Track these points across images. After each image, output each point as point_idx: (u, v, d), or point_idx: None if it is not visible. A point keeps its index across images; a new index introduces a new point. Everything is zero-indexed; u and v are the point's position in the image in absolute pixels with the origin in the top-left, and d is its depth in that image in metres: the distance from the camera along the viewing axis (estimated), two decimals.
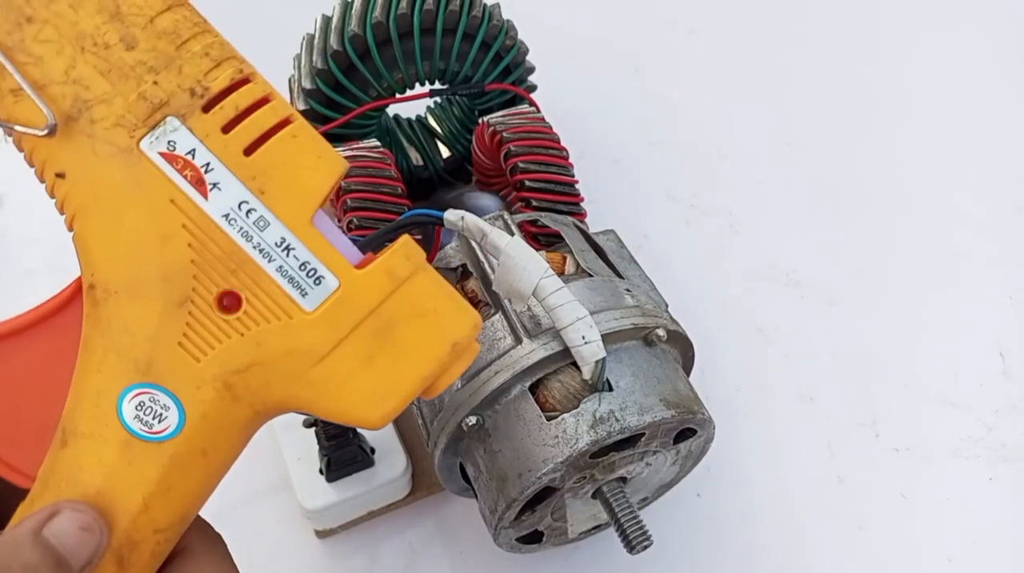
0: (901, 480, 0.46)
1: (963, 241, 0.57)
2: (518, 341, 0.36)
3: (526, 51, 0.51)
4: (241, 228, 0.25)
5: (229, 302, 0.25)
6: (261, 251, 0.25)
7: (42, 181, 0.25)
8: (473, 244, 0.39)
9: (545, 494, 0.36)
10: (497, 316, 0.37)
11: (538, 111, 0.48)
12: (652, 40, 0.71)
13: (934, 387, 0.50)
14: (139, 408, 0.25)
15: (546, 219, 0.43)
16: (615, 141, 0.63)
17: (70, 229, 0.25)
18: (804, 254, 0.56)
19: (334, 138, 0.49)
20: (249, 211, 0.25)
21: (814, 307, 0.54)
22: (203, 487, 0.26)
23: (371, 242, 0.36)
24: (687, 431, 0.37)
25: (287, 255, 0.25)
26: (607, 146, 0.62)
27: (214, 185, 0.25)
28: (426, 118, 0.57)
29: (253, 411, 0.26)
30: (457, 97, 0.55)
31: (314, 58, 0.47)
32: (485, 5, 0.48)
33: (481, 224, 0.35)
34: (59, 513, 0.24)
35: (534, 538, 0.39)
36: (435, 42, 0.47)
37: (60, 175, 0.25)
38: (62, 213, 0.25)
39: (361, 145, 0.46)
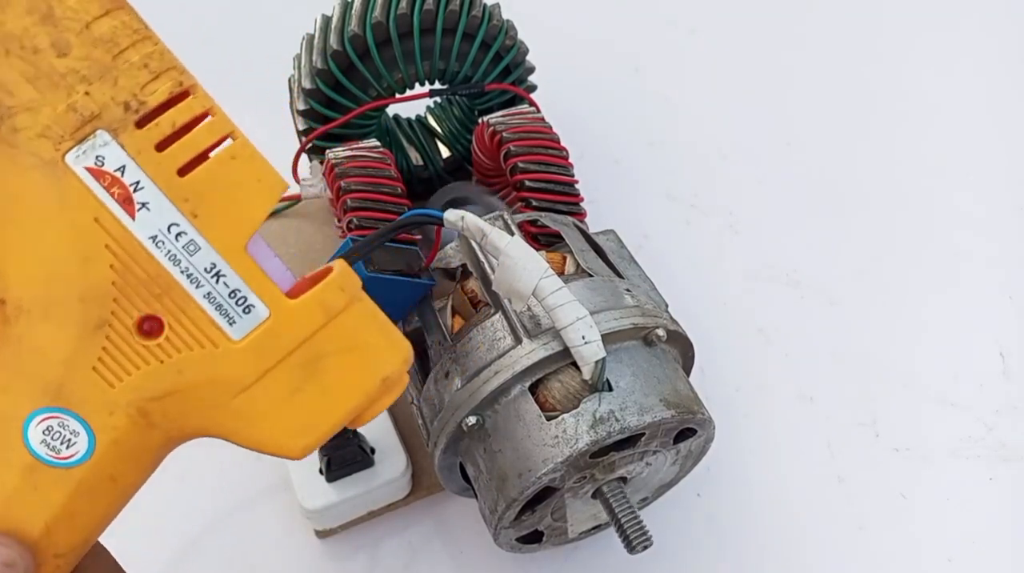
0: (901, 480, 0.46)
1: (963, 241, 0.57)
2: (518, 341, 0.36)
3: (526, 51, 0.51)
4: (169, 251, 0.24)
5: (150, 327, 0.24)
6: (189, 276, 0.24)
7: None
8: (473, 244, 0.39)
9: (545, 494, 0.36)
10: (497, 316, 0.37)
11: (538, 111, 0.48)
12: (652, 40, 0.71)
13: (934, 387, 0.50)
14: (47, 432, 0.24)
15: (546, 219, 0.43)
16: (615, 141, 0.63)
17: None
18: (804, 254, 0.56)
19: (334, 138, 0.49)
20: (179, 234, 0.24)
21: (814, 307, 0.54)
22: (108, 512, 0.26)
23: (371, 242, 0.36)
24: (687, 431, 0.37)
25: (216, 282, 0.24)
26: (607, 146, 0.62)
27: (143, 205, 0.23)
28: (426, 118, 0.57)
29: (167, 437, 0.25)
30: (457, 97, 0.55)
31: (314, 58, 0.47)
32: (485, 5, 0.48)
33: (481, 224, 0.35)
34: None
35: (534, 538, 0.39)
36: (435, 42, 0.47)
37: None
38: None
39: (361, 145, 0.46)
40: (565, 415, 0.34)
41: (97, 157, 0.23)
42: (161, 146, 0.23)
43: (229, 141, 0.24)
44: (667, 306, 0.41)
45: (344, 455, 0.42)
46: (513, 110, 0.47)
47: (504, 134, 0.45)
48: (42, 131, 0.23)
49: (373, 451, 0.43)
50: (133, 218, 0.23)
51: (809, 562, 0.44)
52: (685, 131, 0.63)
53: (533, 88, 0.52)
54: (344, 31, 0.47)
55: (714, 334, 0.50)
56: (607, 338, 0.35)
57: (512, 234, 0.38)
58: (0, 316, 0.24)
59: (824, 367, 0.51)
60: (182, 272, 0.24)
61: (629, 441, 0.35)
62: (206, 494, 0.45)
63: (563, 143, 0.46)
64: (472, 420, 0.36)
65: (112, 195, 0.23)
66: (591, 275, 0.39)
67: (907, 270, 0.55)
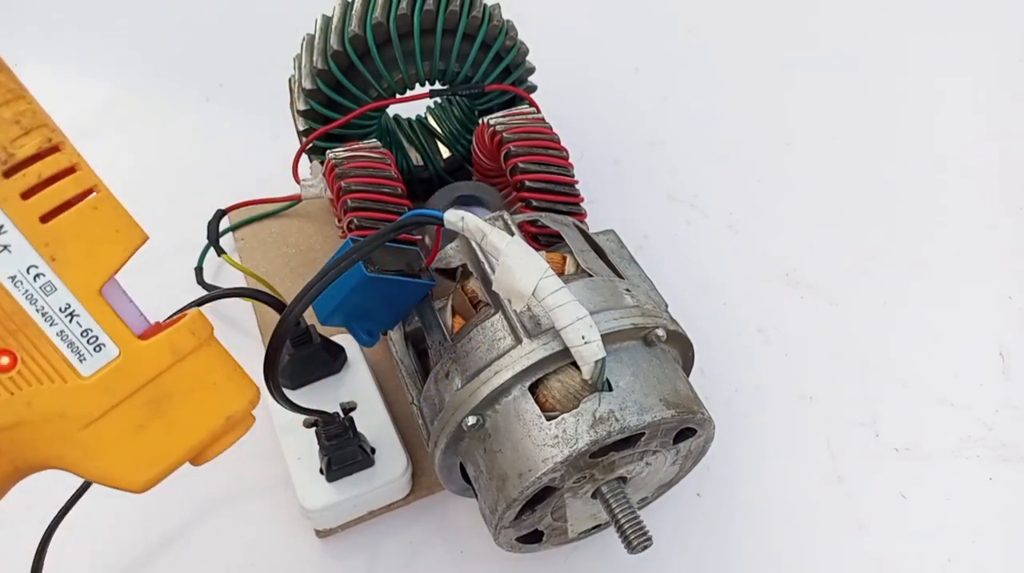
0: (901, 480, 0.46)
1: (963, 241, 0.57)
2: (518, 341, 0.36)
3: (526, 51, 0.51)
4: (27, 291, 0.25)
5: (4, 361, 0.25)
6: (44, 315, 0.25)
7: None
8: (473, 244, 0.39)
9: (545, 494, 0.36)
10: (497, 316, 0.37)
11: (538, 111, 0.48)
12: (652, 40, 0.71)
13: (934, 387, 0.50)
14: None
15: (546, 219, 0.43)
16: (615, 141, 0.63)
17: None
18: (804, 254, 0.56)
19: (334, 138, 0.49)
20: (37, 275, 0.25)
21: (814, 307, 0.54)
22: None
23: (371, 243, 0.36)
24: (687, 431, 0.37)
25: (70, 321, 0.26)
26: (607, 146, 0.62)
27: (4, 247, 0.25)
28: (426, 118, 0.57)
29: (14, 467, 0.26)
30: (457, 97, 0.55)
31: (314, 58, 0.47)
32: (485, 5, 0.48)
33: (481, 224, 0.35)
34: None
35: (534, 538, 0.39)
36: (435, 42, 0.47)
37: None
38: None
39: (361, 145, 0.46)
40: (565, 415, 0.34)
41: None
42: (26, 195, 0.25)
43: (93, 194, 0.26)
44: (667, 306, 0.41)
45: (344, 455, 0.42)
46: (513, 110, 0.47)
47: (504, 134, 0.45)
48: None
49: (373, 451, 0.43)
50: None
51: (809, 562, 0.44)
52: (685, 131, 0.63)
53: (533, 88, 0.52)
54: (344, 31, 0.47)
55: (714, 334, 0.50)
56: (607, 338, 0.35)
57: (512, 234, 0.38)
58: None
59: (824, 367, 0.51)
60: (37, 310, 0.25)
61: (629, 441, 0.35)
62: (206, 494, 0.45)
63: (563, 143, 0.46)
64: (472, 420, 0.36)
65: None
66: (591, 275, 0.39)
67: (907, 270, 0.55)
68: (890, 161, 0.62)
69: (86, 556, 0.43)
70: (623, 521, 0.35)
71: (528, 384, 0.35)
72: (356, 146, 0.46)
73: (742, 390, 0.49)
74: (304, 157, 0.51)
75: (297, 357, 0.44)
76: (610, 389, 0.35)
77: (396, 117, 0.57)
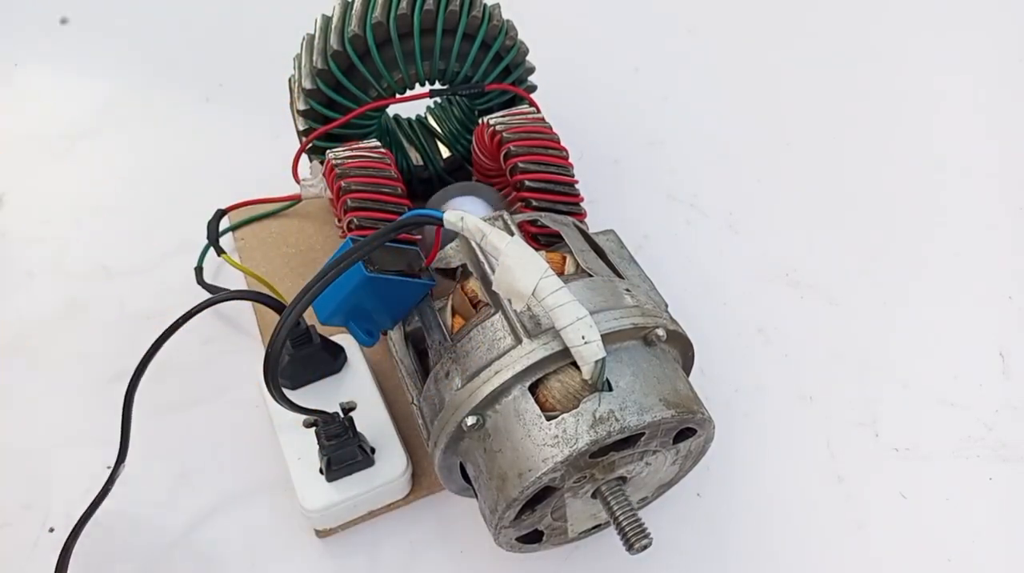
0: (901, 480, 0.46)
1: (963, 241, 0.57)
2: (518, 341, 0.36)
3: (526, 51, 0.51)
4: None
5: None
6: None
7: None
8: (473, 244, 0.39)
9: (545, 494, 0.36)
10: (497, 316, 0.37)
11: (538, 111, 0.48)
12: (652, 40, 0.71)
13: (934, 387, 0.50)
14: None
15: (546, 219, 0.43)
16: (615, 141, 0.63)
17: None
18: (804, 254, 0.56)
19: (334, 138, 0.49)
20: None
21: (814, 307, 0.54)
22: None
23: (371, 243, 0.36)
24: (687, 431, 0.37)
25: None
26: (607, 146, 0.62)
27: None
28: (426, 118, 0.57)
29: None
30: (457, 97, 0.55)
31: (314, 58, 0.47)
32: (485, 5, 0.48)
33: (481, 224, 0.35)
34: None
35: (534, 537, 0.39)
36: (435, 42, 0.47)
37: None
38: None
39: (361, 145, 0.46)
40: (565, 415, 0.34)
41: None
42: None
43: None
44: (667, 306, 0.41)
45: (344, 455, 0.42)
46: (513, 110, 0.47)
47: (504, 134, 0.45)
48: None
49: (373, 451, 0.43)
50: None
51: (809, 562, 0.44)
52: (685, 131, 0.63)
53: (533, 88, 0.52)
54: (344, 31, 0.47)
55: (714, 334, 0.50)
56: (607, 338, 0.35)
57: (512, 234, 0.38)
58: None
59: (824, 367, 0.51)
60: None
61: (629, 441, 0.35)
62: (206, 494, 0.45)
63: (563, 143, 0.46)
64: (472, 420, 0.36)
65: None
66: (591, 275, 0.39)
67: (907, 270, 0.55)
68: (890, 161, 0.62)
69: (86, 556, 0.43)
70: (623, 521, 0.35)
71: (528, 384, 0.35)
72: (356, 146, 0.46)
73: (742, 390, 0.49)
74: (304, 157, 0.51)
75: (297, 357, 0.44)
76: (610, 389, 0.35)
77: (396, 117, 0.57)
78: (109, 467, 0.42)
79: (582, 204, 0.46)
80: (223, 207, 0.55)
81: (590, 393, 0.34)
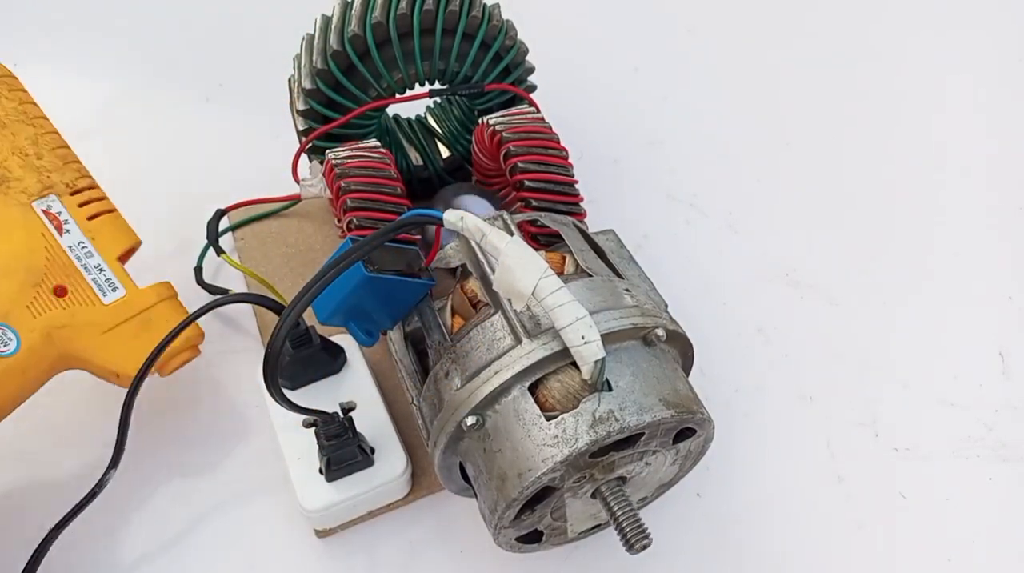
0: (901, 480, 0.46)
1: (963, 241, 0.57)
2: (518, 341, 0.36)
3: (526, 51, 0.51)
4: (77, 254, 0.44)
5: (60, 290, 0.43)
6: (85, 268, 0.44)
7: None
8: (473, 244, 0.39)
9: (545, 494, 0.36)
10: (497, 316, 0.37)
11: (538, 111, 0.48)
12: (651, 40, 0.71)
13: (934, 387, 0.50)
14: None
15: (546, 219, 0.43)
16: (615, 141, 0.63)
17: None
18: (804, 254, 0.56)
19: (334, 138, 0.49)
20: (83, 246, 0.45)
21: (814, 307, 0.54)
22: (15, 396, 0.41)
23: (370, 243, 0.36)
24: (686, 431, 0.37)
25: (100, 273, 0.44)
26: (607, 146, 0.62)
27: (67, 231, 0.45)
28: (426, 118, 0.57)
29: (58, 354, 0.42)
30: (457, 97, 0.55)
31: (314, 58, 0.47)
32: (485, 5, 0.48)
33: (481, 224, 0.35)
34: None
35: (534, 537, 0.39)
36: (435, 42, 0.47)
37: None
38: None
39: (361, 145, 0.46)
40: (565, 415, 0.34)
41: (48, 206, 0.45)
42: (81, 205, 0.46)
43: (113, 212, 0.47)
44: (667, 306, 0.41)
45: (344, 455, 0.42)
46: (513, 110, 0.47)
47: (504, 134, 0.45)
48: (23, 190, 0.45)
49: (373, 451, 0.43)
50: (60, 235, 0.44)
51: (809, 562, 0.44)
52: (685, 131, 0.63)
53: (533, 88, 0.52)
54: (344, 31, 0.47)
55: (713, 334, 0.50)
56: (607, 338, 0.35)
57: (512, 234, 0.38)
58: None
59: (824, 367, 0.51)
60: (82, 266, 0.44)
61: (629, 441, 0.35)
62: (206, 494, 0.45)
63: (563, 143, 0.46)
64: (472, 420, 0.36)
65: (52, 224, 0.45)
66: (591, 275, 0.39)
67: (907, 270, 0.55)
68: (890, 161, 0.62)
69: (86, 556, 0.43)
70: (623, 521, 0.35)
71: (528, 384, 0.35)
72: (356, 146, 0.46)
73: (742, 390, 0.49)
74: (304, 157, 0.51)
75: (297, 357, 0.44)
76: (610, 389, 0.35)
77: (396, 117, 0.57)
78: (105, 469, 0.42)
79: (582, 204, 0.46)
80: (223, 207, 0.55)
81: (590, 393, 0.34)
